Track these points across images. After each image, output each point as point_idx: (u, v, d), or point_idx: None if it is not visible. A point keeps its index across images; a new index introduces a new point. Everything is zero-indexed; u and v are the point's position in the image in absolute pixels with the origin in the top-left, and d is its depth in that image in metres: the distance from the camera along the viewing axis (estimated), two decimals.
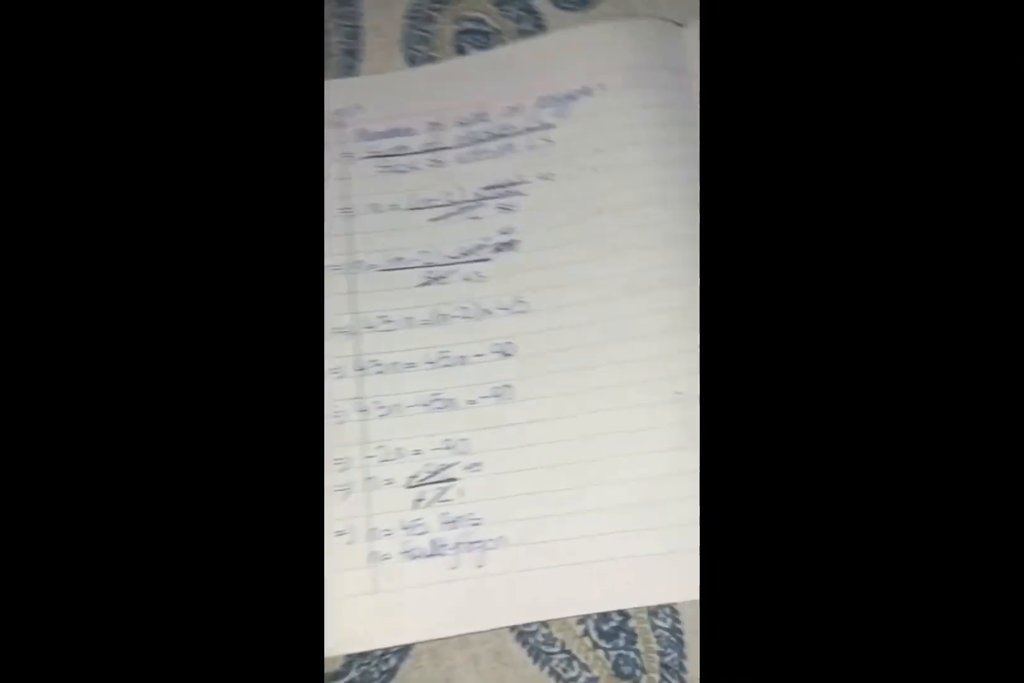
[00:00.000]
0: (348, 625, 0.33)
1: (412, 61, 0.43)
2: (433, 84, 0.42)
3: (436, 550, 0.34)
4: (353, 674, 0.34)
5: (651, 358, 0.35)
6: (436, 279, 0.38)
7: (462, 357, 0.36)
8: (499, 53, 0.42)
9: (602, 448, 0.34)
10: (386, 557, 0.34)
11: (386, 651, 0.34)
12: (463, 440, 0.35)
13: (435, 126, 0.41)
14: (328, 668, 0.34)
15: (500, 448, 0.35)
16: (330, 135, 0.41)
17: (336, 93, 0.42)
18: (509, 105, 0.41)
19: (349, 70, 0.43)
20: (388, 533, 0.34)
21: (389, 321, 0.38)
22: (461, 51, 0.43)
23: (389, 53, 0.43)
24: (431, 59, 0.43)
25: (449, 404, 0.36)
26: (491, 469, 0.35)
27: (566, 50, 0.41)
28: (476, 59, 0.42)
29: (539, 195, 0.39)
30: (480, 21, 0.43)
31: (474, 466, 0.35)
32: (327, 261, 0.39)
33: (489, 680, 0.33)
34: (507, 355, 0.36)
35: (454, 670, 0.34)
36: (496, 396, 0.36)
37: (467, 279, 0.38)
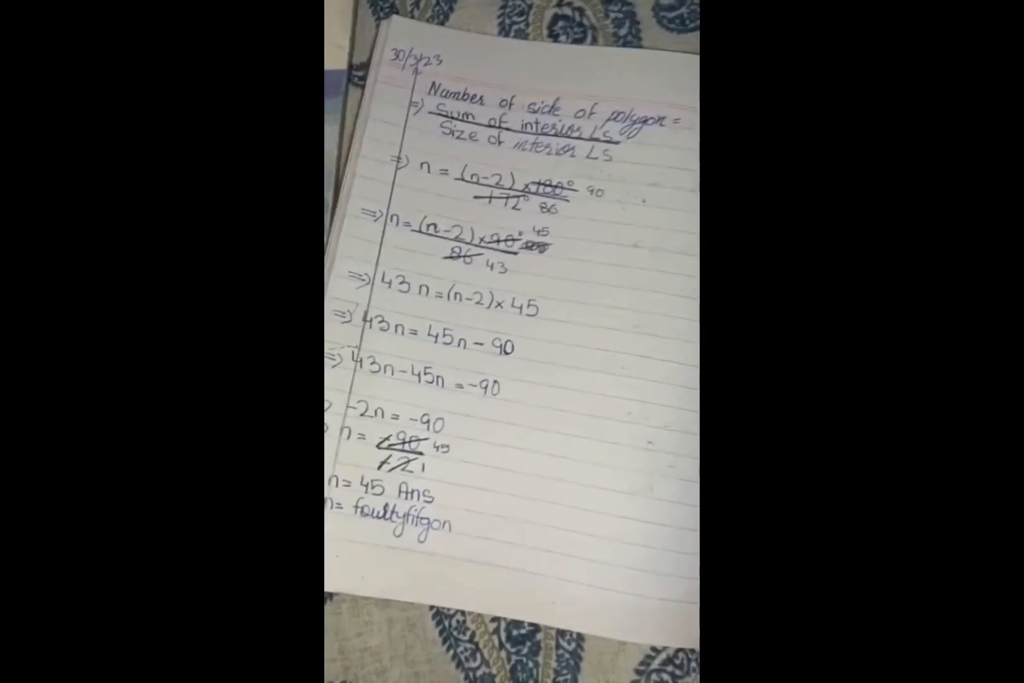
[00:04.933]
0: None
1: (503, 29, 0.43)
2: (517, 60, 0.42)
3: (386, 514, 0.36)
4: None
5: (636, 401, 0.38)
6: (462, 257, 0.39)
7: (463, 340, 0.38)
8: (590, 51, 0.43)
9: (564, 470, 0.37)
10: (339, 506, 0.36)
11: None
12: (440, 419, 0.37)
13: (506, 104, 0.42)
14: None
15: (470, 438, 0.37)
16: (402, 78, 0.41)
17: (421, 36, 0.42)
18: (583, 108, 0.41)
19: (441, 18, 0.43)
20: (347, 484, 0.36)
21: (405, 283, 0.39)
22: (553, 36, 0.43)
23: (484, 14, 0.43)
24: (522, 34, 0.43)
25: (437, 381, 0.38)
26: (457, 455, 0.37)
27: (656, 71, 0.42)
28: (566, 50, 0.43)
29: (583, 207, 0.40)
30: (581, 12, 0.44)
31: (443, 447, 0.37)
32: (361, 205, 0.40)
33: (397, 645, 0.36)
34: (505, 352, 0.38)
35: (368, 626, 0.37)
36: (483, 388, 0.38)
37: (490, 266, 0.39)
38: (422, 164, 0.40)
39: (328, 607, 0.37)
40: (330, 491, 0.36)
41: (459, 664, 0.36)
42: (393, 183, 0.40)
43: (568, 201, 0.40)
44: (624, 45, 0.42)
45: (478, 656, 0.36)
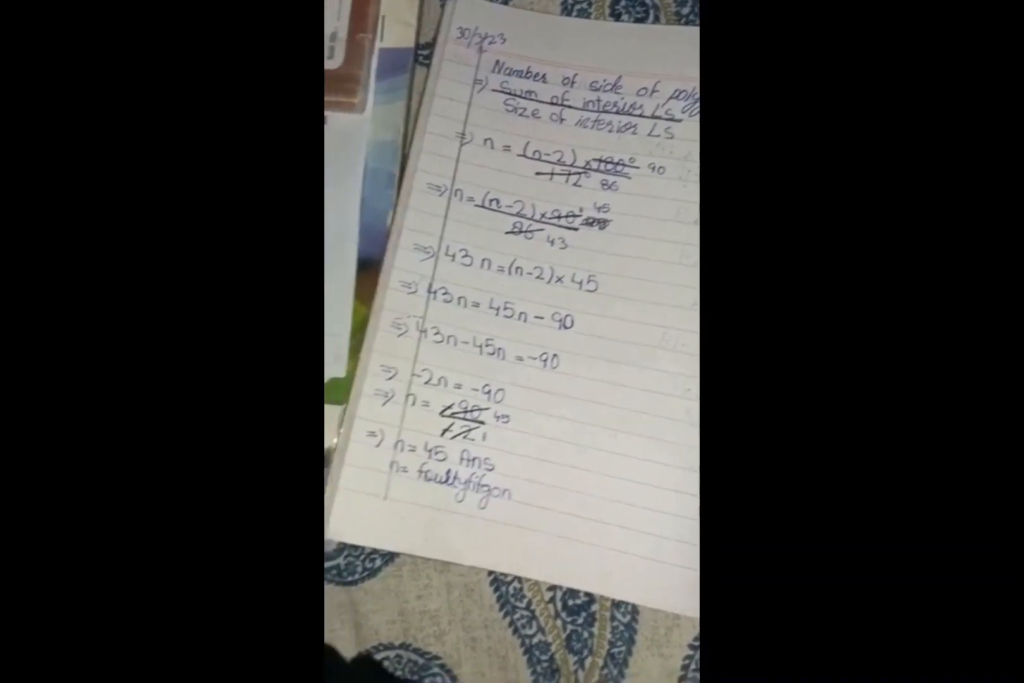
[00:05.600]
0: (352, 519, 0.37)
1: (566, 9, 0.44)
2: (580, 39, 0.43)
3: (449, 480, 0.37)
4: (340, 561, 0.38)
5: (693, 377, 0.38)
6: (523, 231, 0.40)
7: (523, 314, 0.39)
8: (652, 30, 0.43)
9: (620, 444, 0.38)
10: (404, 470, 0.37)
11: (375, 551, 0.38)
12: (500, 390, 0.38)
13: (568, 81, 0.42)
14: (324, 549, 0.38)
15: (530, 410, 0.38)
16: (467, 56, 0.42)
17: (486, 16, 0.42)
18: (645, 86, 0.42)
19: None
20: (412, 449, 0.38)
21: (468, 256, 0.40)
22: (615, 15, 0.44)
23: None
24: (584, 13, 0.44)
25: (498, 353, 0.39)
26: (516, 426, 0.38)
27: None
28: (628, 29, 0.43)
29: (644, 184, 0.41)
30: None
31: (503, 417, 0.38)
32: (427, 179, 0.41)
33: (455, 609, 0.38)
34: (565, 327, 0.39)
35: (428, 589, 0.38)
36: (543, 361, 0.39)
37: (551, 242, 0.40)
38: (485, 140, 0.41)
39: (389, 569, 0.38)
40: (396, 455, 0.37)
41: (515, 631, 0.37)
42: (457, 159, 0.41)
43: (629, 178, 0.41)
44: (686, 24, 0.43)
45: (534, 624, 0.37)
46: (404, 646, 0.38)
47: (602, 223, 0.40)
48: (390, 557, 0.38)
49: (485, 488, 0.37)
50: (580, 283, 0.39)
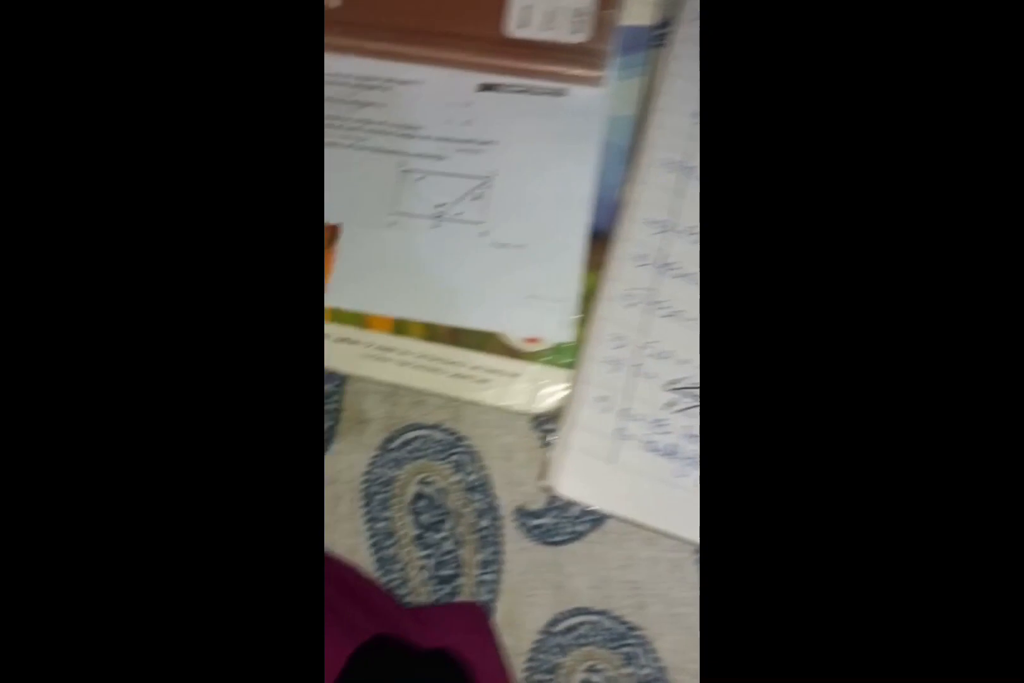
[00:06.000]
0: (578, 477, 0.38)
1: None
2: None
3: (672, 453, 0.37)
4: (548, 519, 0.38)
5: None
6: None
7: None
8: None
9: None
10: (630, 437, 0.38)
11: (583, 514, 0.38)
12: None
13: None
14: (532, 505, 0.39)
15: None
16: None
17: None
18: None
19: None
20: (638, 419, 0.38)
21: (695, 234, 0.40)
22: None
23: None
24: None
25: None
26: None
27: None
28: None
29: None
30: None
31: None
32: (659, 155, 0.41)
33: (659, 583, 0.38)
34: None
35: (632, 560, 0.38)
36: None
37: None
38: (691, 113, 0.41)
39: (595, 535, 0.38)
40: (622, 422, 0.38)
41: None
42: (690, 136, 0.41)
43: None
44: None
45: None
46: (603, 612, 0.38)
47: None
48: (598, 522, 0.38)
49: None
50: None
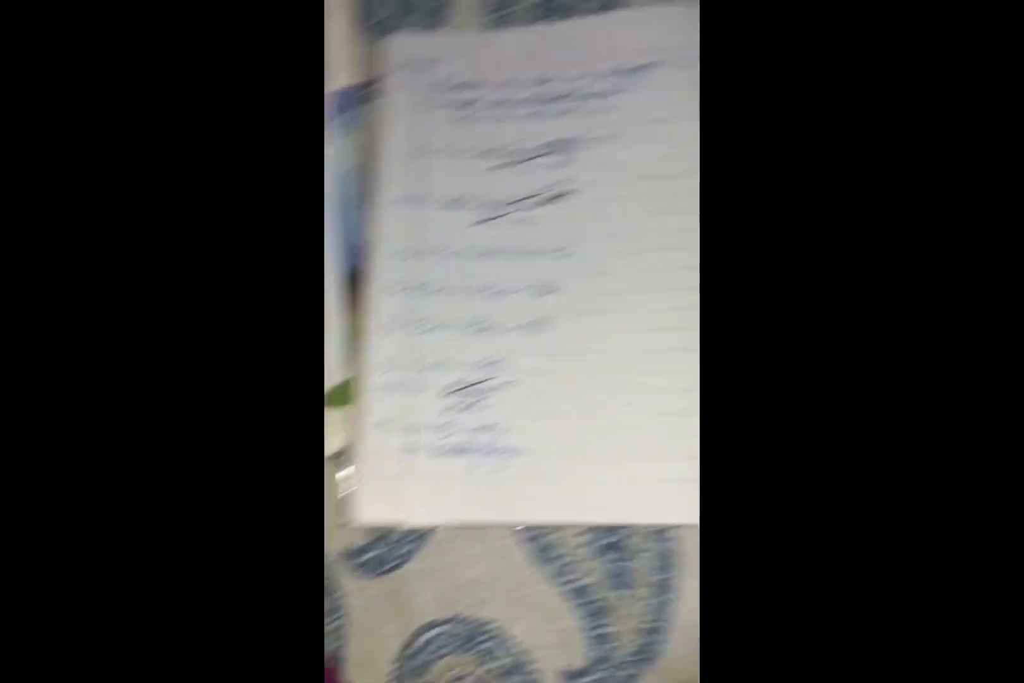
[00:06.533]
0: (378, 503, 0.38)
1: (492, 24, 0.47)
2: (509, 47, 0.45)
3: (462, 450, 0.38)
4: (374, 552, 0.38)
5: (676, 309, 0.39)
6: (490, 220, 0.42)
7: (506, 289, 0.41)
8: (573, 24, 0.46)
9: (621, 382, 0.39)
10: (418, 449, 0.39)
11: (405, 535, 0.38)
12: (498, 361, 0.39)
13: (506, 85, 0.45)
14: (355, 544, 0.38)
15: (531, 371, 0.39)
16: (411, 80, 0.45)
17: (418, 46, 0.46)
18: (577, 71, 0.44)
19: (430, 28, 0.47)
20: (423, 430, 0.39)
21: (443, 250, 0.42)
22: (538, 19, 0.46)
23: (470, 14, 0.47)
24: (509, 23, 0.47)
25: (491, 328, 0.40)
26: (521, 390, 0.39)
27: (635, 26, 0.44)
28: (550, 28, 0.46)
29: (597, 155, 0.42)
30: None
31: (507, 384, 0.39)
32: (392, 193, 0.43)
33: (495, 574, 0.38)
34: (548, 292, 0.40)
35: (463, 559, 0.39)
36: (535, 326, 0.40)
37: (521, 222, 0.42)
38: (439, 150, 0.44)
39: (423, 551, 0.39)
40: (407, 437, 0.39)
41: (557, 581, 0.37)
42: (412, 173, 0.43)
43: (589, 149, 0.43)
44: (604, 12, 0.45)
45: (574, 569, 0.38)
46: (451, 619, 0.38)
47: (565, 196, 0.42)
48: (422, 537, 0.38)
49: (504, 451, 0.38)
50: (558, 251, 0.41)
